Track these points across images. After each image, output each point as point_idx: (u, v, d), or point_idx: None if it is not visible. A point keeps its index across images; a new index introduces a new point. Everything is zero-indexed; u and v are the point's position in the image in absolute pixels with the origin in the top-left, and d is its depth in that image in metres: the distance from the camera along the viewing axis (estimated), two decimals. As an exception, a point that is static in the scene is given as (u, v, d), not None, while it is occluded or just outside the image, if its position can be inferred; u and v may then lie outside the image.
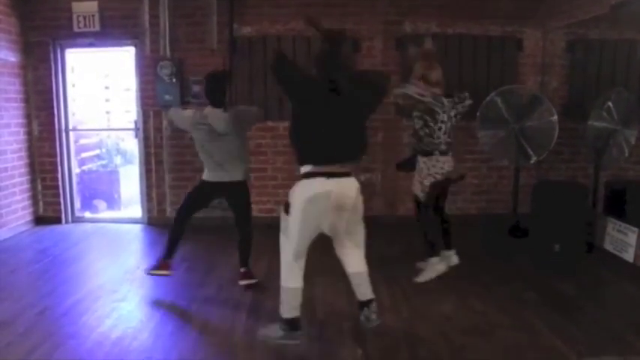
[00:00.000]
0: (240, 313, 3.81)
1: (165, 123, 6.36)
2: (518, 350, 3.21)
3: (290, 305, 3.22)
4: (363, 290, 3.33)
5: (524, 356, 3.14)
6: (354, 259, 3.32)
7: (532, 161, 5.69)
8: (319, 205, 3.05)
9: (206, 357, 3.25)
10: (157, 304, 4.12)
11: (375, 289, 4.11)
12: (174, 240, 4.33)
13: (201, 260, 5.06)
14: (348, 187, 3.14)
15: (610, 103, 5.46)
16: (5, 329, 3.54)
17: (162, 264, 4.35)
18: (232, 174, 4.22)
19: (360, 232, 3.34)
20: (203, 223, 5.32)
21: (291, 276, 3.20)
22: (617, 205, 5.16)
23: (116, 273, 4.75)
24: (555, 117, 5.47)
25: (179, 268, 4.72)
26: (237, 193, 4.30)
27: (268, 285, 4.19)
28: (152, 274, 4.37)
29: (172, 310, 3.98)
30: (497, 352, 3.20)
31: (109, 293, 4.24)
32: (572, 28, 6.15)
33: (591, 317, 3.69)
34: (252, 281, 4.28)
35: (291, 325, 3.22)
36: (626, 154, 5.48)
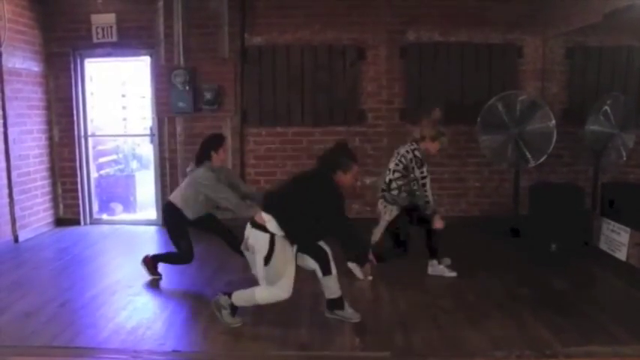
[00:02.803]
0: (246, 307, 4.02)
1: (179, 129, 6.64)
2: (506, 340, 3.40)
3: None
4: None
5: (511, 345, 3.32)
6: None
7: (530, 165, 5.86)
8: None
9: (214, 345, 3.47)
10: (169, 297, 4.41)
11: (375, 285, 4.35)
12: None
13: (212, 259, 5.30)
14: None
15: (607, 108, 5.64)
16: (30, 319, 3.81)
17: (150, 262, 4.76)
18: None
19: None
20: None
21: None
22: (612, 206, 5.31)
23: (131, 270, 4.99)
24: (553, 122, 5.64)
25: (191, 266, 4.97)
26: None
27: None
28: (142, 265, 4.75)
29: (184, 302, 4.24)
30: (486, 342, 3.39)
31: (124, 288, 4.50)
32: (571, 36, 6.32)
33: (580, 311, 3.88)
34: None
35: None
36: (624, 158, 5.66)
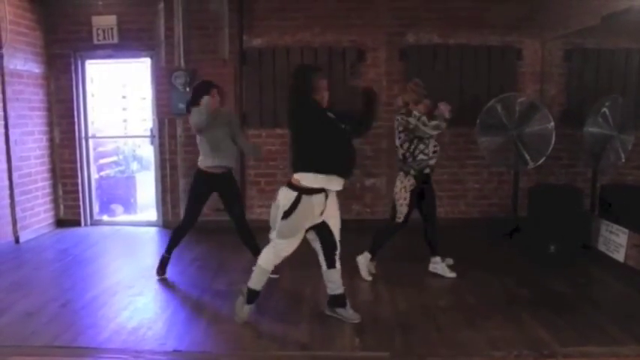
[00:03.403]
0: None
1: (179, 130, 6.67)
2: (504, 340, 3.43)
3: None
4: None
5: (510, 345, 3.35)
6: None
7: (529, 167, 5.89)
8: None
9: (216, 345, 3.50)
10: (170, 298, 4.42)
11: (375, 286, 4.38)
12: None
13: (212, 259, 5.34)
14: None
15: (606, 110, 5.66)
16: (31, 319, 3.84)
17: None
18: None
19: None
20: (217, 225, 5.68)
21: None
22: (610, 207, 5.34)
23: (132, 271, 5.03)
24: (552, 124, 5.67)
25: (191, 267, 5.02)
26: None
27: (271, 287, 4.44)
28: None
29: (185, 303, 4.27)
30: (485, 342, 3.42)
31: (125, 288, 4.52)
32: (570, 38, 6.35)
33: (578, 311, 3.91)
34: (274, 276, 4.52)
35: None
36: (623, 159, 5.68)
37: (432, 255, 4.78)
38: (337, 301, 3.77)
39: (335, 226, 3.72)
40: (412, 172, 4.56)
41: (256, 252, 4.59)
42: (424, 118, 4.45)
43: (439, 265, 4.75)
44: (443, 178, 6.51)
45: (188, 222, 4.74)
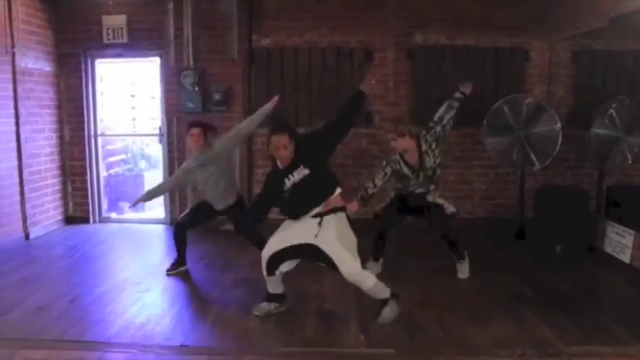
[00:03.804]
0: (254, 303, 4.08)
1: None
2: (509, 339, 3.45)
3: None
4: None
5: (515, 345, 3.37)
6: None
7: (536, 168, 5.90)
8: None
9: (222, 340, 3.54)
10: (177, 295, 4.47)
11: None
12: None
13: (219, 257, 5.39)
14: None
15: (613, 112, 5.67)
16: (42, 313, 3.90)
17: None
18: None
19: None
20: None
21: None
22: (616, 209, 5.35)
23: (140, 268, 5.10)
24: (559, 125, 5.67)
25: (198, 265, 5.07)
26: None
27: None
28: (171, 274, 4.84)
29: (192, 299, 4.33)
30: (490, 341, 3.44)
31: (133, 285, 4.58)
32: (577, 40, 6.37)
33: (583, 311, 3.91)
34: None
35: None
36: (630, 161, 5.69)
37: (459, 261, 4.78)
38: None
39: (331, 252, 3.58)
40: None
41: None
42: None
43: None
44: (449, 179, 6.54)
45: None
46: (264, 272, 3.80)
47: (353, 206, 3.92)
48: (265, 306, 3.90)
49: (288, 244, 3.68)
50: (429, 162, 4.52)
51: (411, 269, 4.91)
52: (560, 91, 6.64)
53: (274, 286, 3.86)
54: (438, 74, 6.46)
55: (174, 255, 4.99)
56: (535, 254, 5.32)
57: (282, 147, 3.54)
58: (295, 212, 3.70)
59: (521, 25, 6.49)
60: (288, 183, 3.59)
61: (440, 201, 4.66)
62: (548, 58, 6.60)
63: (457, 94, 4.65)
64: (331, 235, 3.54)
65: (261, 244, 4.70)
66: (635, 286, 4.50)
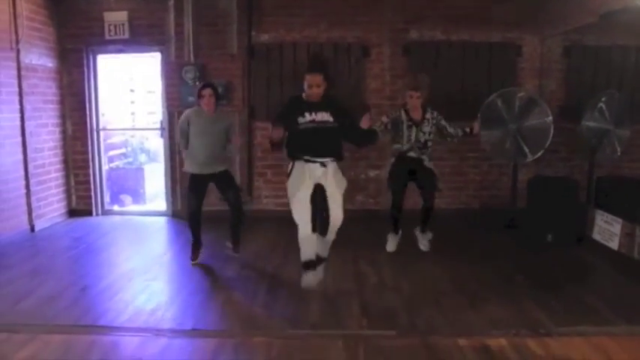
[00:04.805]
0: (259, 289, 4.28)
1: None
2: (503, 321, 3.64)
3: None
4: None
5: (509, 325, 3.55)
6: None
7: (528, 159, 6.07)
8: None
9: (230, 325, 3.70)
10: (184, 282, 4.61)
11: (380, 272, 4.58)
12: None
13: (223, 247, 5.49)
14: None
15: (602, 105, 5.85)
16: (53, 303, 4.02)
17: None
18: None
19: None
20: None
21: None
22: (605, 198, 5.55)
23: (145, 258, 5.23)
24: (550, 118, 5.85)
25: (204, 253, 5.20)
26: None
27: (282, 272, 4.72)
28: (196, 263, 4.98)
29: (199, 286, 4.46)
30: (485, 322, 3.64)
31: (140, 274, 4.71)
32: (569, 35, 6.54)
33: (573, 295, 4.12)
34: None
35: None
36: (619, 153, 5.88)
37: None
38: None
39: (331, 194, 3.93)
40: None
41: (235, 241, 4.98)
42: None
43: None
44: (445, 170, 6.67)
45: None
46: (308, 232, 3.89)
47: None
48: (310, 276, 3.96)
49: (308, 195, 3.86)
50: (426, 128, 5.04)
51: (410, 257, 5.09)
52: (552, 84, 6.81)
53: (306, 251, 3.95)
54: (434, 69, 6.60)
55: (178, 246, 5.13)
56: (527, 242, 5.51)
57: (316, 85, 3.92)
58: (303, 151, 3.88)
59: (515, 21, 6.65)
60: (308, 116, 3.86)
61: (435, 170, 5.15)
62: (540, 52, 6.77)
63: (466, 129, 5.17)
64: (331, 181, 3.90)
65: (241, 218, 4.99)
66: (622, 272, 4.70)
